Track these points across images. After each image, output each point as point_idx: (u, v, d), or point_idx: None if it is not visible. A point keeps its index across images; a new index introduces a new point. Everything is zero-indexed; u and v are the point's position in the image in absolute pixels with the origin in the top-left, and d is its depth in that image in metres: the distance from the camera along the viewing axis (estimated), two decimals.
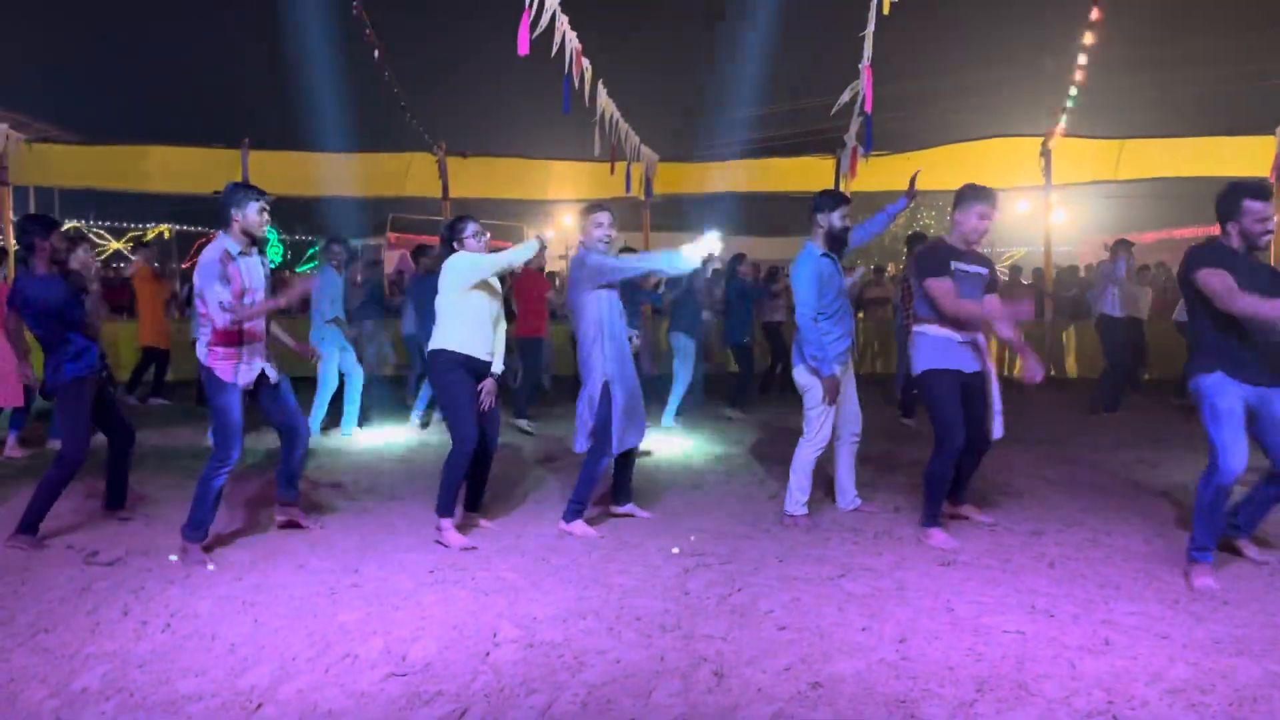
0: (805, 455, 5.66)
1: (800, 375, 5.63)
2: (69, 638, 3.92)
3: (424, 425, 9.09)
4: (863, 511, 5.92)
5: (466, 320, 5.32)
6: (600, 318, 5.39)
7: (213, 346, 4.88)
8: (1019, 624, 4.01)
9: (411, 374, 10.58)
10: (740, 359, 10.16)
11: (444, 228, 5.65)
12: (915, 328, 5.35)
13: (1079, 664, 3.60)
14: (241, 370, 4.92)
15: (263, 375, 5.05)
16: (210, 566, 4.79)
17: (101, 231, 28.31)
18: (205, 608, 4.24)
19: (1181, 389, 9.88)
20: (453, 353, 5.30)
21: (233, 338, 4.89)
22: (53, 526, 5.41)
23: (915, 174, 6.01)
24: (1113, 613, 4.14)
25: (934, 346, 5.21)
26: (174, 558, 4.89)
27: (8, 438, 7.69)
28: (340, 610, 4.22)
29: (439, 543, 5.21)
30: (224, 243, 4.92)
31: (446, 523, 5.28)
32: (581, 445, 5.51)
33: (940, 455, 5.25)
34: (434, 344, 5.37)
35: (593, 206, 5.56)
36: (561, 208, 29.21)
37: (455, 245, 5.43)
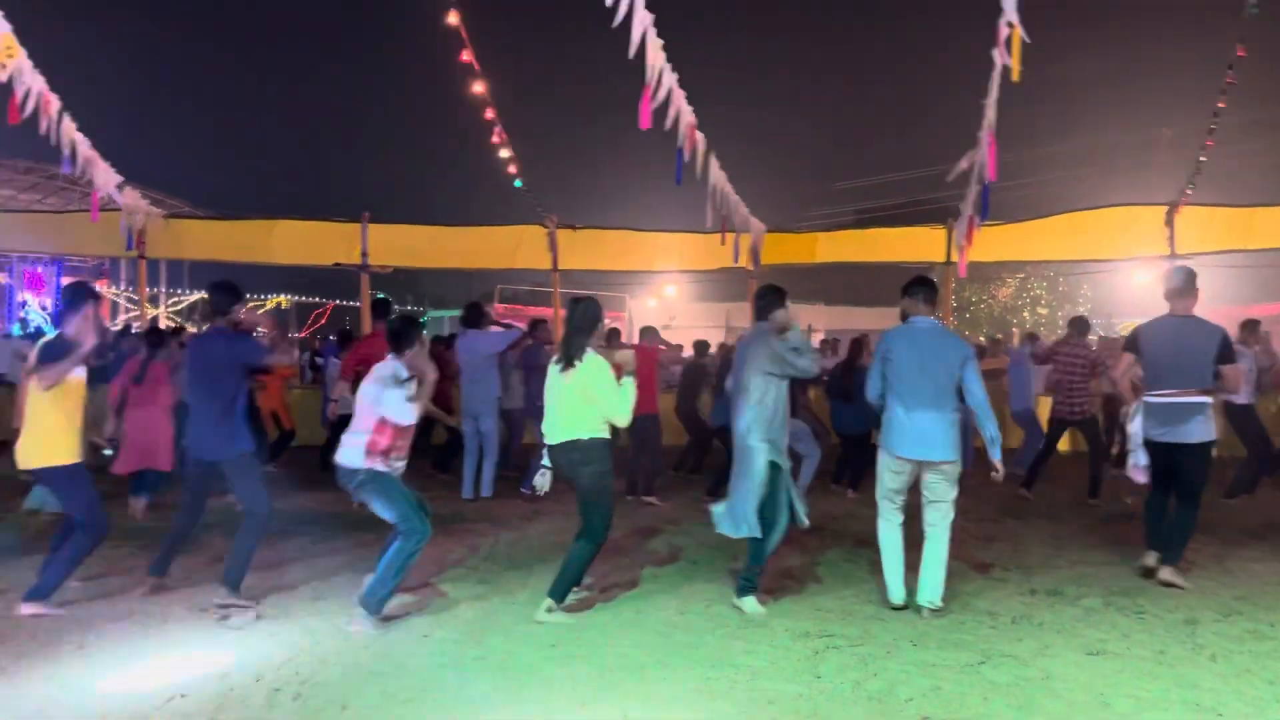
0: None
1: (958, 459, 5.34)
2: (204, 704, 3.94)
3: (533, 495, 9.03)
4: (989, 594, 5.65)
5: None
6: (776, 401, 5.35)
7: (375, 451, 5.02)
8: None
9: (513, 444, 10.36)
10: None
11: (580, 312, 5.24)
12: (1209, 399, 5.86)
13: None
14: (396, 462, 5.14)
15: None
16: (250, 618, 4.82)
17: None
18: (334, 675, 4.24)
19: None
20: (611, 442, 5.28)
21: (401, 433, 5.10)
22: (180, 586, 5.54)
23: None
24: None
25: None
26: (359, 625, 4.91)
27: (138, 500, 7.90)
28: (467, 684, 4.17)
29: (538, 621, 5.05)
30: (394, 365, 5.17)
31: (555, 605, 5.13)
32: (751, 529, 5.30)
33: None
34: (598, 433, 5.16)
35: (778, 293, 5.49)
36: (663, 278, 29.50)
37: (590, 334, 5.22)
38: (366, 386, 5.15)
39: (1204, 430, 5.81)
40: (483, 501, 8.74)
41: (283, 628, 4.92)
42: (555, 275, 14.31)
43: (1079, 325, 9.46)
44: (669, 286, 31.85)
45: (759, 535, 5.27)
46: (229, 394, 5.27)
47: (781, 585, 5.81)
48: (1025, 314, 30.49)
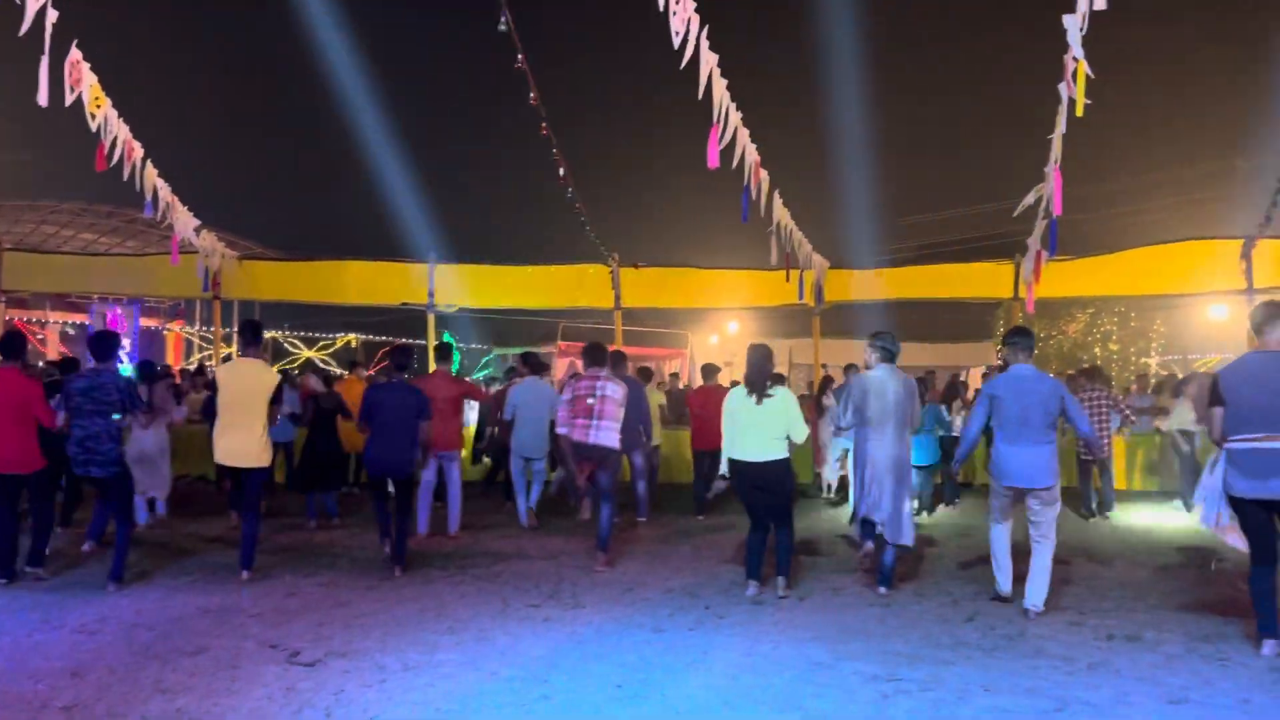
0: None
1: (1054, 485, 6.14)
2: None
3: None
4: (1063, 639, 5.51)
5: None
6: None
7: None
8: None
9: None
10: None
11: (766, 354, 6.57)
12: None
13: None
14: None
15: None
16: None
17: (295, 340, 30.38)
18: (402, 714, 4.27)
19: None
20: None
21: None
22: (252, 626, 5.66)
23: None
24: None
25: None
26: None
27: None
28: None
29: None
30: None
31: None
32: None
33: None
34: (786, 453, 6.48)
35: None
36: (725, 314, 29.48)
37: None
38: (618, 390, 7.33)
39: None
40: (539, 538, 8.76)
41: (354, 664, 4.97)
42: (618, 314, 14.41)
43: (1089, 373, 10.79)
44: (731, 322, 31.82)
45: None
46: None
47: (848, 628, 5.73)
48: (1096, 350, 29.87)
